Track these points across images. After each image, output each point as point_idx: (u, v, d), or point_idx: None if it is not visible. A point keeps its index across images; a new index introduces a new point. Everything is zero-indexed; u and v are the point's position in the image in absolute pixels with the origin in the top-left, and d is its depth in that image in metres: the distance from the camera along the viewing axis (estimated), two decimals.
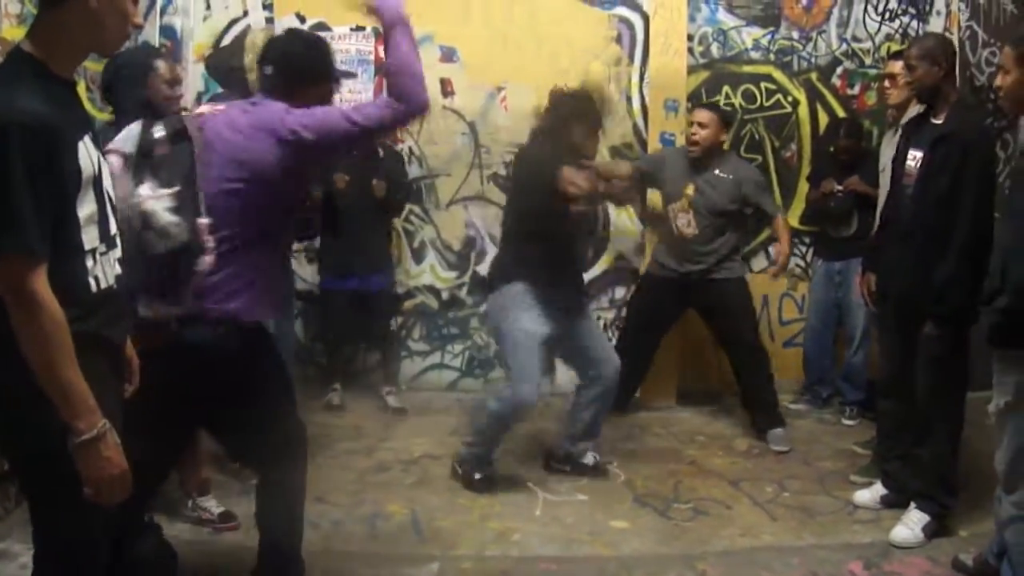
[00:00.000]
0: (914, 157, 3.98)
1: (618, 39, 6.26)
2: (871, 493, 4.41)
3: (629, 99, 6.27)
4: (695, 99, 6.12)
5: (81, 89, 3.34)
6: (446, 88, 6.04)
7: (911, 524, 4.03)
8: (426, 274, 6.39)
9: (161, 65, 3.73)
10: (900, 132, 4.33)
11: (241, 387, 2.88)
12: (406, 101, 2.77)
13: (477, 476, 4.57)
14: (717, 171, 5.44)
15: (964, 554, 3.74)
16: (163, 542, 3.43)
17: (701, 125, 5.37)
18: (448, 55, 6.17)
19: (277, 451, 3.08)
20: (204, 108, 2.99)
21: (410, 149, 6.17)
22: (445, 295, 6.28)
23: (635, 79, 6.27)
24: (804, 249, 6.38)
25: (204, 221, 2.69)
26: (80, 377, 1.98)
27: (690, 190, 5.44)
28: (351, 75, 3.51)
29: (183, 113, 3.13)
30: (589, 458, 4.85)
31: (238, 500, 4.09)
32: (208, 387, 2.83)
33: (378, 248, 5.83)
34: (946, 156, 3.75)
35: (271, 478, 3.14)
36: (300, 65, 3.00)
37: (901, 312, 4.05)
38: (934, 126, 3.92)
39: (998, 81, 3.27)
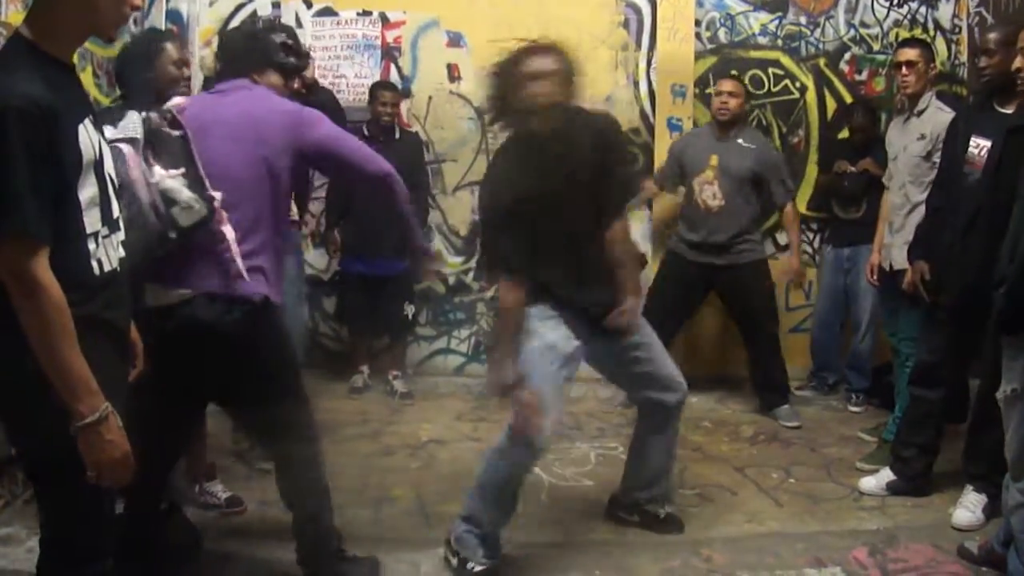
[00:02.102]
0: (977, 145, 3.94)
1: (625, 24, 6.26)
2: (877, 480, 4.42)
3: (636, 84, 6.27)
4: (702, 84, 6.11)
5: (87, 74, 3.38)
6: (453, 73, 6.04)
7: (971, 506, 4.06)
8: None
9: (169, 47, 3.72)
10: (962, 119, 4.25)
11: (251, 363, 2.93)
12: (395, 179, 3.20)
13: (476, 569, 3.49)
14: (740, 141, 5.55)
15: (970, 542, 3.74)
16: (187, 525, 3.50)
17: (731, 94, 5.53)
18: (455, 40, 6.17)
19: (289, 427, 3.11)
20: (178, 100, 3.06)
21: (416, 134, 6.15)
22: (452, 280, 6.28)
23: (642, 64, 6.27)
24: (811, 235, 6.37)
25: (217, 195, 2.78)
26: (82, 360, 1.98)
27: (714, 160, 5.50)
28: (301, 67, 3.48)
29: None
30: (661, 510, 3.96)
31: (245, 485, 4.12)
32: (220, 364, 2.90)
33: (396, 234, 5.72)
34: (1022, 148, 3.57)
35: (286, 455, 3.18)
36: (239, 55, 3.18)
37: (962, 305, 3.98)
38: (1004, 115, 3.87)
39: (1018, 63, 3.21)
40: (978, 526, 4.00)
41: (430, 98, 6.07)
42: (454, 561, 3.53)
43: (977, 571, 3.65)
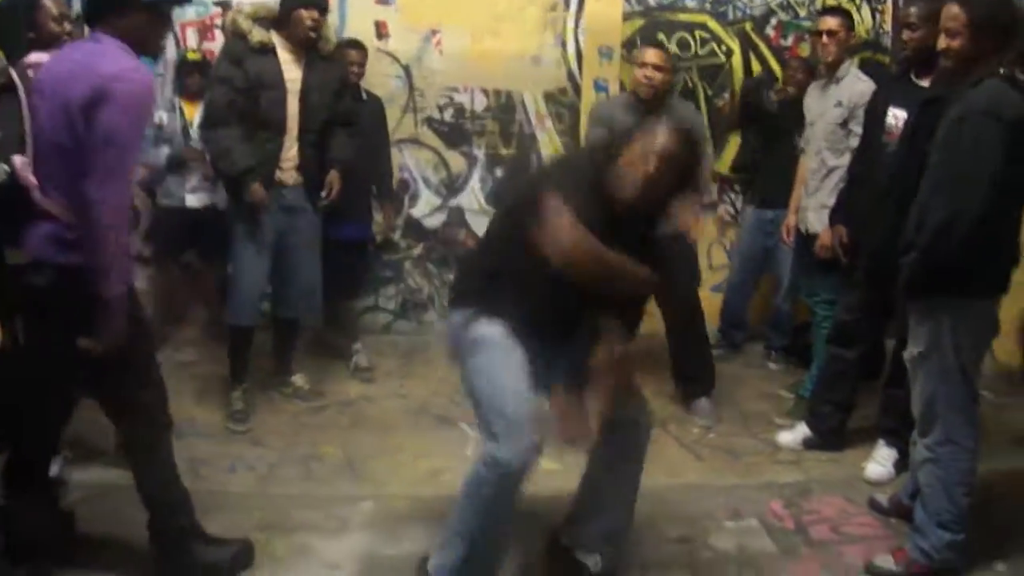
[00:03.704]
0: (895, 116, 4.05)
1: None
2: (793, 435, 4.58)
3: (564, 45, 6.27)
4: (630, 46, 6.14)
5: None
6: (380, 31, 6.00)
7: (882, 461, 4.26)
8: None
9: (47, 1, 3.66)
10: (882, 91, 4.38)
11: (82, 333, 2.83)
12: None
13: None
14: (665, 115, 5.44)
15: (880, 494, 3.93)
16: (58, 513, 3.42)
17: (657, 68, 4.79)
18: None
19: (130, 405, 3.07)
20: (37, 57, 2.96)
21: (379, 98, 5.98)
22: (379, 238, 6.28)
23: (570, 25, 6.26)
24: (734, 196, 6.49)
25: (21, 159, 2.72)
26: None
27: None
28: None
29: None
30: (593, 560, 3.30)
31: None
32: (56, 334, 2.84)
33: (358, 196, 5.57)
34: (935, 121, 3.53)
35: (126, 432, 3.18)
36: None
37: (873, 268, 4.10)
38: (921, 88, 3.96)
39: (942, 43, 3.20)
40: (889, 480, 4.19)
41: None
42: None
43: (886, 522, 3.83)
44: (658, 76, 4.78)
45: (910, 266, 3.14)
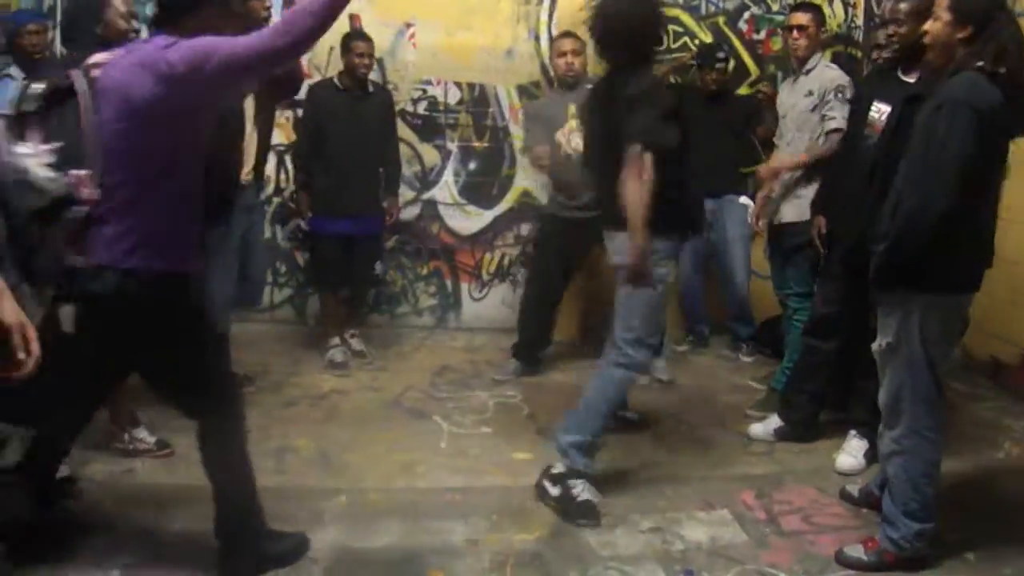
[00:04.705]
0: (879, 110, 4.06)
1: None
2: (764, 426, 4.61)
3: (537, 38, 6.29)
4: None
5: None
6: (354, 23, 5.97)
7: (853, 452, 4.30)
8: None
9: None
10: (867, 84, 4.42)
11: (156, 338, 2.86)
12: (292, 34, 2.63)
13: (581, 496, 3.75)
14: (588, 85, 5.47)
15: (851, 485, 3.96)
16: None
17: (575, 53, 5.32)
18: None
19: (203, 403, 3.07)
20: (98, 57, 2.89)
21: (388, 90, 6.03)
22: None
23: (544, 18, 6.29)
24: None
25: (82, 173, 2.67)
26: None
27: (572, 110, 5.40)
28: None
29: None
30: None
31: (172, 429, 4.02)
32: (121, 338, 2.83)
33: (370, 189, 5.67)
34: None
35: (205, 428, 3.13)
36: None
37: (850, 260, 4.14)
38: (906, 84, 3.98)
39: (926, 27, 3.22)
40: (860, 471, 4.22)
41: (331, 48, 5.99)
42: (555, 491, 3.80)
43: (857, 512, 3.85)
44: (577, 61, 5.34)
45: (879, 257, 3.15)
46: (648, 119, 3.63)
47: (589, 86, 5.21)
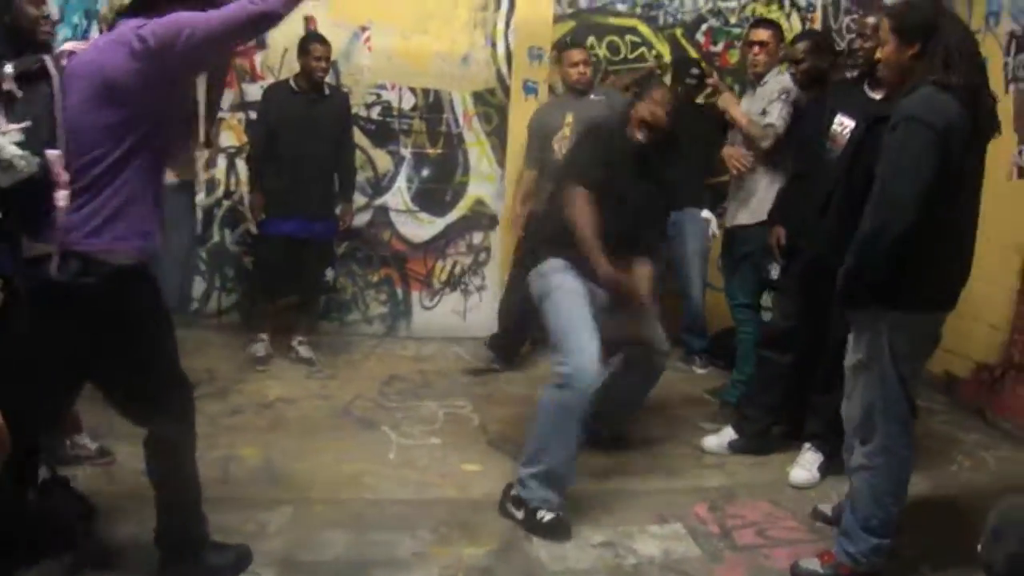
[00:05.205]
0: (842, 124, 4.04)
1: None
2: (719, 439, 4.58)
3: (494, 45, 6.25)
4: (561, 48, 6.11)
5: None
6: (309, 26, 5.89)
7: (807, 465, 4.27)
8: None
9: None
10: (831, 95, 4.39)
11: (115, 332, 2.76)
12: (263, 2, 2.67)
13: (545, 518, 3.64)
14: (592, 96, 5.66)
15: (823, 504, 3.91)
16: (74, 495, 3.40)
17: (586, 63, 5.69)
18: None
19: (158, 403, 2.96)
20: (71, 45, 2.82)
21: (345, 93, 6.00)
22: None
23: (500, 25, 6.25)
24: None
25: (55, 152, 2.59)
26: None
27: (569, 118, 5.55)
28: None
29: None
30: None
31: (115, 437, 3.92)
32: (82, 330, 2.72)
33: (323, 193, 5.64)
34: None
35: (154, 433, 3.02)
36: None
37: (809, 274, 4.14)
38: (872, 100, 3.97)
39: (878, 54, 3.26)
40: (813, 484, 4.20)
41: (285, 50, 5.89)
42: (519, 514, 3.71)
43: (811, 525, 3.85)
44: (588, 71, 5.72)
45: (842, 276, 3.12)
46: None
47: (595, 97, 5.31)
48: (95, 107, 2.64)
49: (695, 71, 5.74)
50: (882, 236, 2.98)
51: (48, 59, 2.69)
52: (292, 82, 5.54)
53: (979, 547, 2.24)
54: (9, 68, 2.64)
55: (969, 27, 3.22)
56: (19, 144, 2.56)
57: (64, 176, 2.61)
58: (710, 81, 5.65)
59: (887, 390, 3.20)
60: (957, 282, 3.27)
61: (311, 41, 5.45)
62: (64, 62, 2.69)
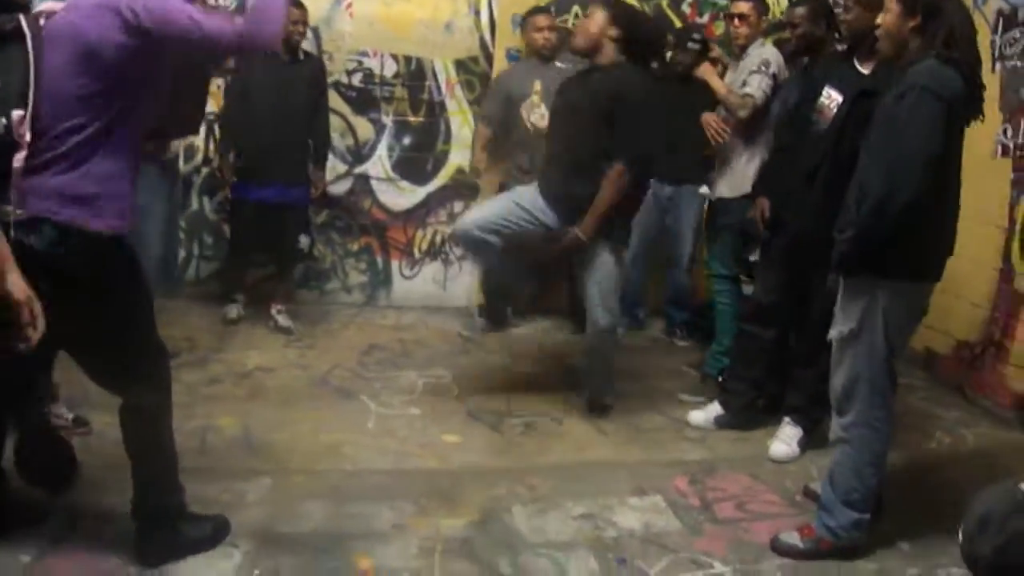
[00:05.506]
0: (829, 97, 4.00)
1: None
2: (705, 414, 4.58)
3: (477, 13, 6.18)
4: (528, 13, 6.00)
5: None
6: None
7: (787, 439, 4.27)
8: None
9: None
10: (817, 67, 4.37)
11: (90, 301, 2.70)
12: (252, 33, 2.66)
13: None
14: (559, 64, 5.67)
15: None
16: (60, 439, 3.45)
17: (551, 29, 5.77)
18: None
19: (134, 373, 2.92)
20: (49, 5, 2.75)
21: (320, 58, 5.93)
22: None
23: None
24: None
25: (18, 113, 2.52)
26: None
27: (538, 86, 5.57)
28: None
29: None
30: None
31: (91, 406, 3.87)
32: (52, 297, 2.60)
33: (297, 159, 5.60)
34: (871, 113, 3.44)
35: (130, 402, 2.98)
36: None
37: (796, 248, 4.14)
38: (860, 74, 3.93)
39: (878, 19, 3.24)
40: (792, 458, 4.21)
41: None
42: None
43: (791, 499, 3.85)
44: (552, 36, 5.76)
45: (846, 242, 3.11)
46: None
47: (561, 64, 5.30)
48: (73, 74, 2.57)
49: (696, 36, 5.61)
50: (891, 202, 2.98)
51: (24, 19, 2.60)
52: None
53: (960, 540, 2.22)
54: None
55: (970, 12, 3.20)
56: None
57: (26, 137, 2.54)
58: (713, 54, 5.57)
59: (874, 361, 3.21)
60: (946, 253, 3.28)
61: (288, 5, 5.34)
62: (42, 22, 2.61)
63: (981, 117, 3.18)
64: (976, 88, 3.08)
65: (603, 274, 4.37)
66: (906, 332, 3.34)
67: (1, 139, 2.52)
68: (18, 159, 2.54)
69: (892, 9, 3.14)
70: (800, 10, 4.58)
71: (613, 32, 4.30)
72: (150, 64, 2.68)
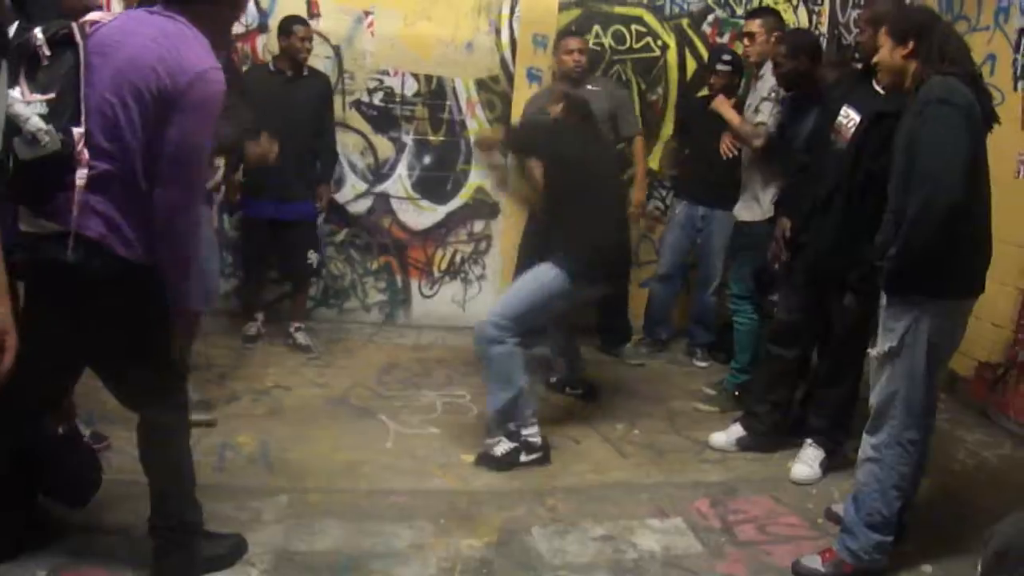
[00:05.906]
0: (848, 116, 3.98)
1: None
2: (727, 436, 4.55)
3: (498, 32, 6.18)
4: (560, 36, 6.01)
5: None
6: (312, 9, 5.83)
7: (809, 461, 4.24)
8: None
9: None
10: (839, 87, 4.29)
11: (116, 321, 2.70)
12: (178, 241, 2.71)
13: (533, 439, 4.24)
14: (589, 86, 5.57)
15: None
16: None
17: (581, 51, 5.64)
18: None
19: (152, 391, 2.91)
20: (96, 15, 2.72)
21: (326, 75, 5.88)
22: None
23: (505, 12, 6.16)
24: (664, 192, 6.45)
25: (79, 130, 2.52)
26: None
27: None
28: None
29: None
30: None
31: (109, 421, 3.89)
32: (82, 315, 2.67)
33: (303, 175, 5.58)
34: (888, 135, 3.50)
35: (147, 420, 2.98)
36: None
37: (815, 269, 4.12)
38: (878, 95, 3.89)
39: (875, 58, 3.34)
40: (814, 481, 4.16)
41: None
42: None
43: (813, 522, 3.82)
44: (584, 59, 5.67)
45: (892, 259, 3.10)
46: None
47: (592, 87, 5.32)
48: (119, 97, 2.56)
49: (727, 57, 5.54)
50: (929, 212, 2.98)
51: (75, 27, 2.60)
52: (271, 63, 5.53)
53: (979, 568, 2.19)
54: (40, 34, 2.56)
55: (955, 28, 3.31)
56: (43, 117, 2.49)
57: (85, 155, 2.54)
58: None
59: (914, 380, 3.20)
60: (986, 265, 3.29)
61: (293, 23, 5.40)
62: (90, 31, 2.61)
63: (997, 121, 3.21)
64: (982, 94, 3.14)
65: (530, 286, 4.21)
66: (947, 351, 3.33)
67: (58, 153, 2.51)
68: (80, 176, 2.54)
69: (885, 43, 3.24)
70: (781, 48, 4.65)
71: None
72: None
